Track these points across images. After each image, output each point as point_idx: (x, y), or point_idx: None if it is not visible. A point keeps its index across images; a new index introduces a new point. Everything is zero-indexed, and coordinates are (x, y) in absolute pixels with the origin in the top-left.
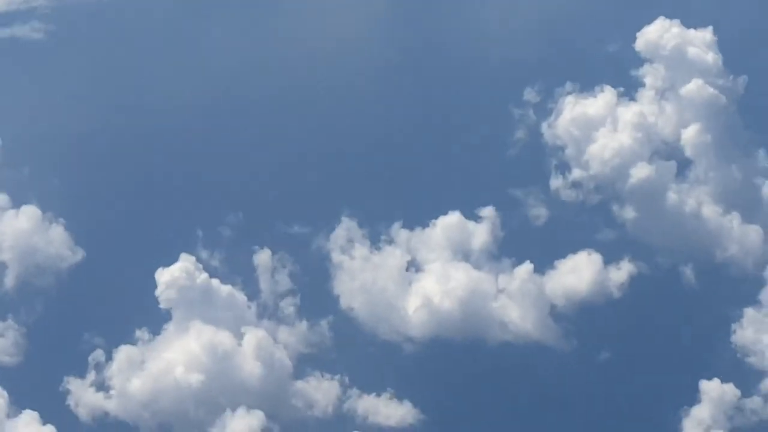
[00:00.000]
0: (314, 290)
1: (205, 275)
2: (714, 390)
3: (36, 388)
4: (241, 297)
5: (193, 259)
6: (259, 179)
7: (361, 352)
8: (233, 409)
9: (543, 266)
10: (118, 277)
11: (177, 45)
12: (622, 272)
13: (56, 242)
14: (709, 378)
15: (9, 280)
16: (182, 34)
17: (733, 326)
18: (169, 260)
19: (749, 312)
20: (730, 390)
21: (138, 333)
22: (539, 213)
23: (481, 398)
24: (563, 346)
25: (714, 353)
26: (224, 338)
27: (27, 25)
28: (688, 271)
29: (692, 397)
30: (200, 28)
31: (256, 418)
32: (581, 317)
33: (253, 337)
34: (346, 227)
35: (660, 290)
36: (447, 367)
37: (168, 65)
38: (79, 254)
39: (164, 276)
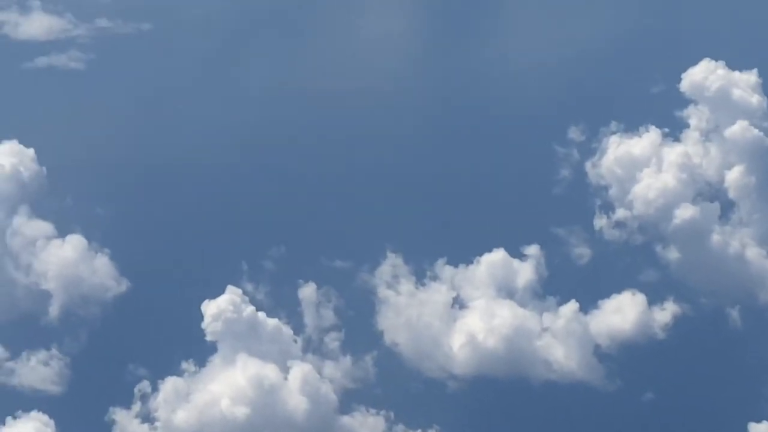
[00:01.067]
0: (358, 325)
1: (251, 308)
2: None
3: (81, 417)
4: (287, 331)
5: (239, 291)
6: (302, 213)
7: (406, 388)
8: None
9: (587, 306)
10: (163, 308)
11: (217, 74)
12: (666, 313)
13: (101, 272)
14: (758, 421)
15: (53, 310)
16: (223, 63)
17: None
18: (214, 292)
19: None
20: None
21: (184, 365)
22: (583, 252)
23: None
24: (607, 386)
25: (761, 396)
26: (270, 372)
27: (65, 55)
28: (734, 313)
29: None
30: (241, 56)
31: None
32: (625, 357)
33: (299, 371)
34: (391, 263)
35: (705, 332)
36: (491, 405)
37: (209, 95)
38: (124, 285)
39: (211, 308)
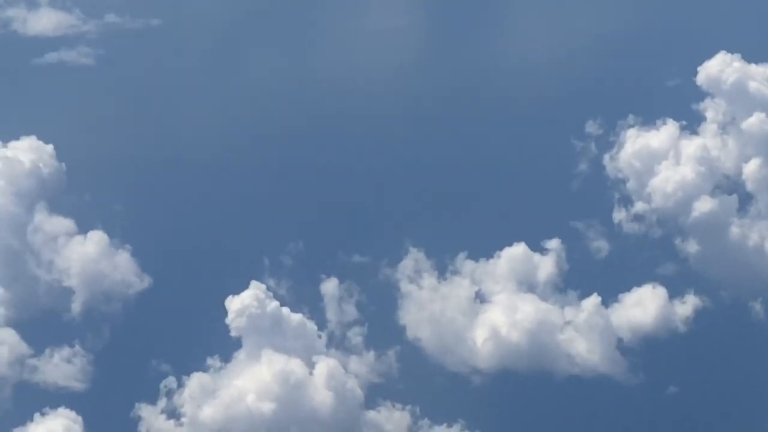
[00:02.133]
0: (381, 320)
1: (275, 303)
2: None
3: (107, 414)
4: (311, 326)
5: (263, 287)
6: (318, 208)
7: (430, 383)
8: None
9: (607, 299)
10: (185, 304)
11: (227, 69)
12: (687, 306)
13: (123, 268)
14: None
15: (76, 306)
16: (231, 58)
17: None
18: (237, 288)
19: None
20: None
21: (209, 361)
22: (601, 246)
23: (552, 430)
24: (630, 380)
25: None
26: (295, 367)
27: (74, 50)
28: (757, 306)
29: None
30: (249, 51)
31: None
32: (647, 351)
33: (325, 366)
34: (413, 257)
35: (727, 325)
36: (515, 400)
37: (221, 90)
38: (146, 281)
39: (235, 303)
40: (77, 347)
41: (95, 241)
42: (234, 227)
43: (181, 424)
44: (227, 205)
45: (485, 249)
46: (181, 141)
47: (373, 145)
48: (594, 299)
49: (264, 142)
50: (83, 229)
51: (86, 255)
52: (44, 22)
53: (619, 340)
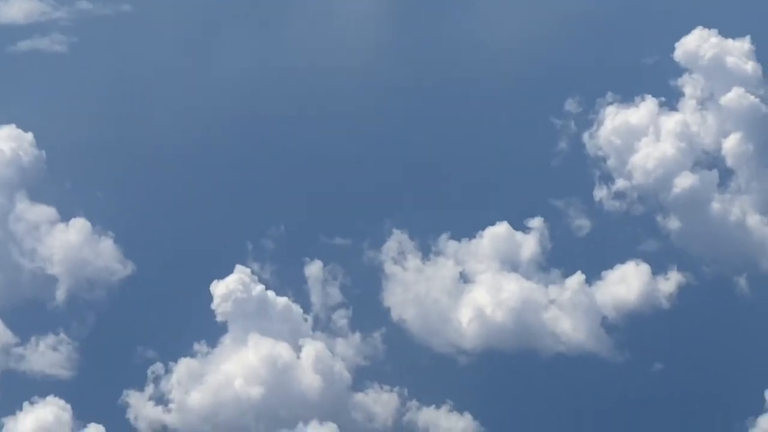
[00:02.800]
0: (366, 302)
1: (261, 287)
2: None
3: (95, 401)
4: (296, 309)
5: (248, 271)
6: (297, 191)
7: (416, 364)
8: (293, 423)
9: (590, 277)
10: (170, 289)
11: (200, 54)
12: (670, 282)
13: (106, 255)
14: None
15: (60, 294)
16: (203, 42)
17: None
18: (221, 272)
19: None
20: None
21: (196, 346)
22: (583, 224)
23: (539, 410)
24: (616, 357)
25: None
26: (282, 350)
27: (47, 38)
28: (741, 281)
29: (758, 407)
30: (221, 35)
31: (330, 430)
32: (632, 328)
33: (312, 349)
34: (397, 239)
35: (711, 301)
36: (502, 379)
37: (198, 74)
38: (129, 268)
39: (220, 288)
40: (62, 335)
41: (77, 228)
42: (215, 212)
43: (169, 410)
44: (208, 190)
45: (468, 229)
46: (159, 127)
47: (353, 128)
48: (577, 277)
49: (243, 126)
50: (65, 216)
51: (69, 243)
52: (16, 9)
53: (604, 318)
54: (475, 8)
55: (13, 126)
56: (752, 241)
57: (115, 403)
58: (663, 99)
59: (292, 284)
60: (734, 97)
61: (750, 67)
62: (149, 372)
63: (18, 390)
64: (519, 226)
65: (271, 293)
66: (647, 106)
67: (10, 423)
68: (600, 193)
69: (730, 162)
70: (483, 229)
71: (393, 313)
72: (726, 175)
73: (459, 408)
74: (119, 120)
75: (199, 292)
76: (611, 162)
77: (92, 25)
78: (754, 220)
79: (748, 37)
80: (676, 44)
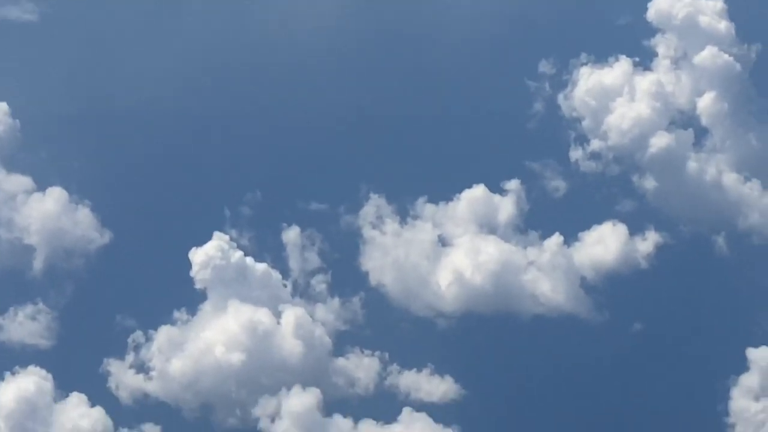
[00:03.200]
0: (344, 267)
1: (239, 253)
2: (763, 358)
3: (76, 370)
4: (276, 275)
5: (226, 237)
6: (273, 156)
7: (396, 328)
8: (275, 389)
9: (568, 238)
10: (148, 257)
11: (180, 19)
12: (648, 242)
13: (83, 224)
14: (756, 346)
15: (37, 264)
16: (182, 8)
17: None
18: (199, 240)
19: None
20: None
21: (176, 314)
22: (559, 185)
23: (520, 372)
24: (596, 318)
25: (755, 322)
26: (263, 317)
27: (17, 7)
28: (720, 240)
29: (740, 366)
30: (202, 5)
31: (313, 396)
32: (611, 288)
33: (292, 314)
34: (375, 203)
35: (689, 260)
36: (482, 342)
37: (172, 41)
38: (107, 236)
39: (198, 255)
40: (41, 305)
41: (54, 197)
42: (192, 179)
43: (150, 378)
44: (184, 157)
45: (445, 192)
46: (134, 95)
47: (328, 93)
48: (556, 239)
49: (216, 92)
50: (41, 186)
51: (46, 212)
52: None
53: (582, 279)
54: None
55: None
56: (729, 200)
57: (96, 372)
58: (637, 59)
59: (270, 250)
60: (708, 56)
61: (723, 26)
62: (129, 340)
63: None
64: (496, 188)
65: (249, 259)
66: (621, 66)
67: None
68: (576, 154)
69: (705, 121)
70: (460, 192)
71: (372, 278)
72: (701, 134)
73: (440, 371)
74: (93, 88)
75: (178, 259)
76: (586, 123)
77: None
78: (730, 178)
79: None
80: (649, 4)
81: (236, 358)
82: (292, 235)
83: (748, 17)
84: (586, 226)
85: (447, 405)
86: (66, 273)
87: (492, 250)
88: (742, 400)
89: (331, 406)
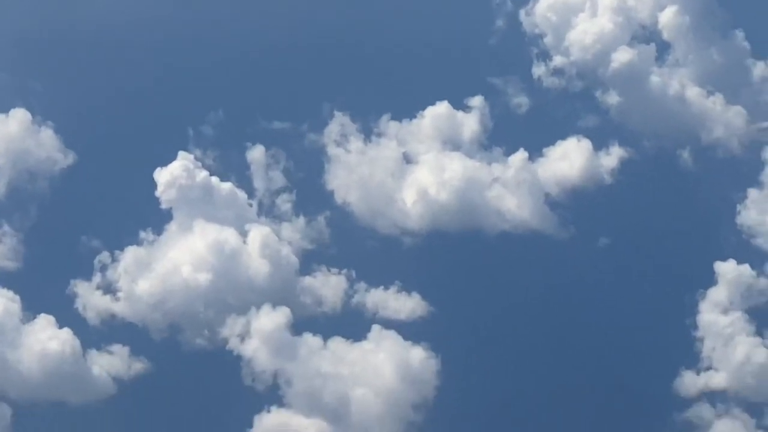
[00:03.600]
0: (309, 186)
1: (205, 173)
2: (731, 271)
3: (43, 292)
4: (241, 194)
5: (191, 157)
6: (233, 75)
7: (362, 247)
8: (244, 309)
9: (533, 154)
10: (112, 178)
11: None
12: (612, 158)
13: (47, 146)
14: (724, 259)
15: (0, 186)
16: None
17: (738, 207)
18: (164, 160)
19: (753, 193)
20: (746, 271)
21: (142, 234)
22: (522, 101)
23: (487, 289)
24: (561, 233)
25: (719, 235)
26: (229, 236)
27: None
28: (684, 155)
29: (708, 280)
30: None
31: (283, 315)
32: (576, 204)
33: (258, 234)
34: (339, 122)
35: (654, 175)
36: (449, 259)
37: None
38: (71, 157)
39: (163, 175)
40: (6, 227)
41: (17, 119)
42: (154, 99)
43: (117, 299)
44: (146, 77)
45: (408, 109)
46: (96, 13)
47: (290, 11)
48: (520, 155)
49: (178, 11)
50: (4, 107)
51: (8, 134)
52: None
53: (547, 195)
54: None
55: None
56: (692, 114)
57: (63, 293)
58: None
59: (234, 170)
60: None
61: None
62: (96, 261)
63: None
64: (459, 105)
65: (215, 179)
66: None
67: None
68: (538, 70)
69: (666, 35)
70: (423, 109)
71: (337, 196)
72: (663, 48)
73: (407, 288)
74: (54, 7)
75: (143, 179)
76: (548, 39)
77: None
78: (693, 92)
79: None
80: None
81: (203, 278)
82: (256, 154)
83: None
84: (550, 142)
85: (415, 322)
86: (30, 195)
87: (456, 167)
88: (710, 314)
89: (299, 325)
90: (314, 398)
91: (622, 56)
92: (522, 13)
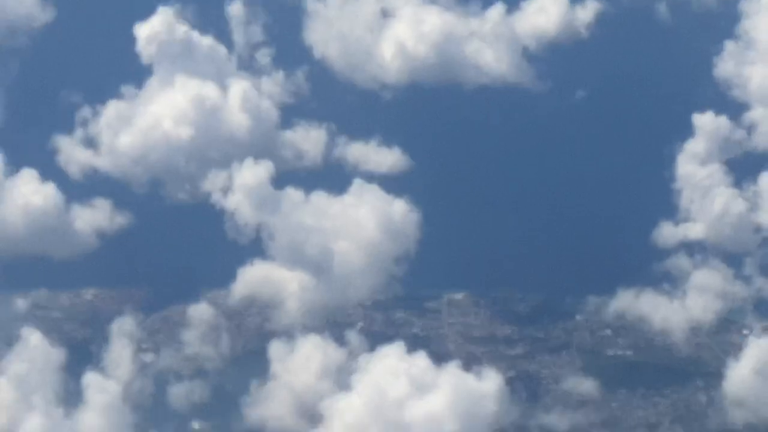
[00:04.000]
0: (288, 40)
1: (185, 27)
2: (709, 123)
3: (24, 147)
4: (221, 49)
5: (171, 11)
6: None
7: (342, 101)
8: (225, 164)
9: (510, 7)
10: (92, 33)
11: None
12: (588, 11)
13: (27, 1)
14: (702, 111)
15: None
16: None
17: (715, 59)
18: (143, 14)
19: (730, 45)
20: (723, 122)
21: (123, 89)
22: None
23: (466, 142)
24: (539, 86)
25: (697, 87)
26: (209, 91)
27: None
28: (661, 7)
29: (686, 132)
30: None
31: (265, 168)
32: (553, 57)
33: (238, 88)
34: None
35: (630, 29)
36: (428, 113)
37: None
38: (51, 13)
39: (144, 30)
40: None
41: None
42: None
43: (99, 153)
44: None
45: None
46: None
47: None
48: (498, 8)
49: None
50: None
51: None
52: None
53: (525, 48)
54: None
55: None
56: None
57: (45, 148)
58: None
59: (214, 24)
60: None
61: None
62: (77, 116)
63: None
64: None
65: (195, 33)
66: None
67: None
68: None
69: None
70: None
71: (315, 51)
72: None
73: (387, 142)
74: None
75: (123, 34)
76: None
77: None
78: None
79: None
80: None
81: (184, 132)
82: (235, 8)
83: None
84: None
85: (395, 176)
86: (11, 50)
87: (434, 21)
88: (688, 166)
89: (281, 179)
90: (297, 251)
91: None
92: None
